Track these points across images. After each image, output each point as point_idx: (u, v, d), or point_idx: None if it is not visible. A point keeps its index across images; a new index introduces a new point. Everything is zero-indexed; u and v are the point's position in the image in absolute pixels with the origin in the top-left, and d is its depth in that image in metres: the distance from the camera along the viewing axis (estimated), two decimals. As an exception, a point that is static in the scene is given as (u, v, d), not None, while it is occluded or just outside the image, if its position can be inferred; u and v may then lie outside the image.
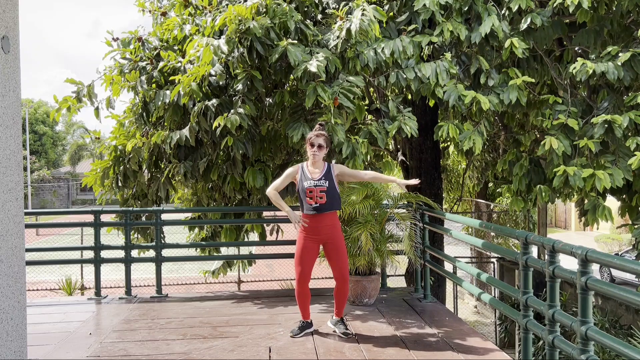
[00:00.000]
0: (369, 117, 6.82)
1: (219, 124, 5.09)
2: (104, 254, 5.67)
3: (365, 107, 6.08)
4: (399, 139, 8.44)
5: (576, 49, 6.35)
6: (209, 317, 4.83)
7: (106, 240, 5.78)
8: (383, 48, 5.14)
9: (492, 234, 13.92)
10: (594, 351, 2.89)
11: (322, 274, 8.82)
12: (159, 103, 5.55)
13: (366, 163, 5.83)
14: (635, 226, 5.97)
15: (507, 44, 5.38)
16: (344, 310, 4.50)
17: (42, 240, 21.47)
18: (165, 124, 5.89)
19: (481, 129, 5.59)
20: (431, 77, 5.24)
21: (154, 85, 5.83)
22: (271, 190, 4.25)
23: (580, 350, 2.88)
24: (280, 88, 5.86)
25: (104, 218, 5.71)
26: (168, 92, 5.55)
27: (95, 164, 6.50)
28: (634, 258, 7.94)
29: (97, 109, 5.84)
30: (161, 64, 5.74)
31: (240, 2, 5.71)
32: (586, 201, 5.69)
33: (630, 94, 5.48)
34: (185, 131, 5.52)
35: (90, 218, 5.65)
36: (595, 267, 9.20)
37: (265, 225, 6.93)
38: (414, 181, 4.18)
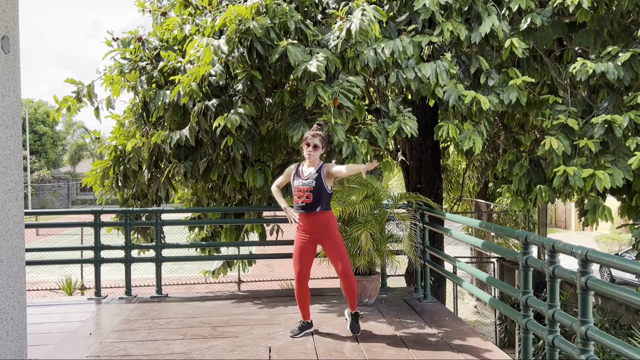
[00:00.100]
0: (369, 117, 6.82)
1: (219, 124, 5.09)
2: (104, 254, 5.67)
3: (365, 107, 6.08)
4: (399, 139, 8.44)
5: (576, 49, 6.35)
6: (209, 317, 4.83)
7: (106, 240, 5.78)
8: (383, 48, 5.14)
9: (492, 234, 13.92)
10: (594, 351, 2.89)
11: (322, 274, 8.81)
12: (159, 103, 5.55)
13: (366, 163, 5.82)
14: (635, 226, 5.97)
15: (507, 44, 5.38)
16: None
17: (42, 240, 21.47)
18: (165, 124, 5.89)
19: (481, 129, 5.59)
20: (431, 77, 5.24)
21: (154, 85, 5.83)
22: (274, 187, 4.47)
23: (580, 350, 2.88)
24: (280, 88, 5.86)
25: (104, 218, 5.71)
26: (168, 92, 5.55)
27: (95, 164, 6.50)
28: (634, 258, 7.93)
29: (97, 109, 5.84)
30: (161, 64, 5.74)
31: (240, 2, 5.70)
32: (586, 201, 5.69)
33: (630, 94, 5.48)
34: (185, 131, 5.52)
35: (90, 218, 5.65)
36: (595, 267, 9.20)
37: (265, 225, 6.93)
38: (374, 163, 3.98)
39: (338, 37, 5.09)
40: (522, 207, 6.08)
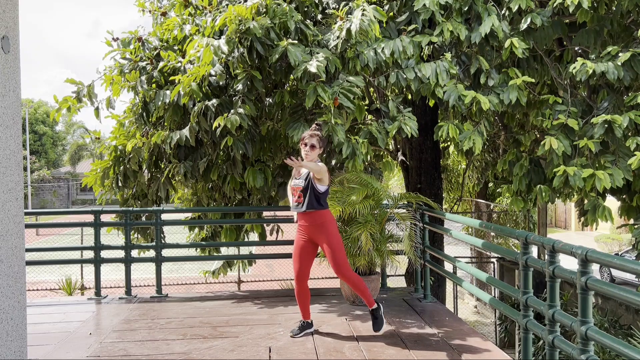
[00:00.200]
0: (369, 117, 6.82)
1: (219, 124, 5.09)
2: (104, 254, 5.67)
3: (365, 107, 6.08)
4: (399, 139, 8.44)
5: (576, 49, 6.35)
6: (209, 317, 4.83)
7: (106, 240, 5.78)
8: (383, 48, 5.14)
9: (492, 234, 13.92)
10: (594, 351, 2.89)
11: (322, 274, 8.82)
12: (159, 103, 5.55)
13: (366, 163, 5.82)
14: (635, 226, 5.98)
15: (507, 44, 5.38)
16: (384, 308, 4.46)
17: (42, 240, 21.47)
18: (165, 124, 5.89)
19: (481, 129, 5.59)
20: (431, 77, 5.24)
21: (154, 85, 5.83)
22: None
23: (580, 350, 2.88)
24: (280, 88, 5.86)
25: (104, 218, 5.71)
26: (168, 92, 5.55)
27: (95, 164, 6.50)
28: (634, 258, 7.94)
29: (97, 109, 5.84)
30: (161, 64, 5.74)
31: (240, 2, 5.71)
32: (586, 201, 5.69)
33: (630, 94, 5.48)
34: (185, 131, 5.52)
35: (90, 218, 5.65)
36: (595, 267, 9.20)
37: (265, 225, 6.93)
38: (295, 163, 3.89)
39: (338, 37, 5.09)
40: (522, 207, 6.09)
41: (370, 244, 4.76)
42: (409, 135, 5.18)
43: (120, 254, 5.70)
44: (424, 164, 8.02)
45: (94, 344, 4.14)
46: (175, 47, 6.02)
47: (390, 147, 9.18)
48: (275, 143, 6.26)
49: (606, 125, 5.17)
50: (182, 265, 15.25)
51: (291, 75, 5.20)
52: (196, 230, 7.38)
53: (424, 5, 5.31)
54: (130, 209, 5.80)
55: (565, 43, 6.34)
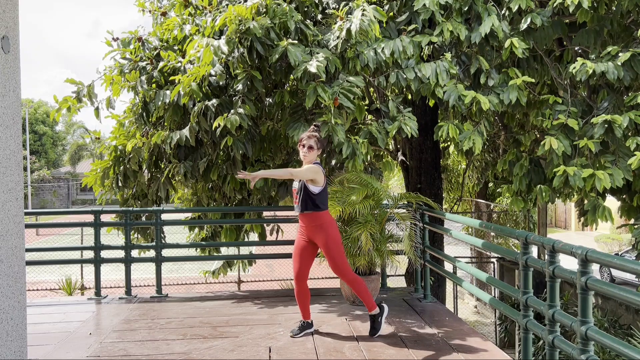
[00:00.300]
0: (369, 117, 6.82)
1: (219, 124, 5.09)
2: (104, 254, 5.67)
3: (365, 107, 6.08)
4: (399, 139, 8.44)
5: (576, 49, 6.35)
6: (209, 317, 4.83)
7: (106, 240, 5.78)
8: (383, 48, 5.14)
9: (492, 234, 13.92)
10: (594, 351, 2.89)
11: (322, 274, 8.82)
12: (159, 103, 5.55)
13: (366, 163, 5.82)
14: (635, 226, 5.98)
15: (507, 44, 5.38)
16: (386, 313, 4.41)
17: (42, 240, 21.47)
18: (165, 124, 5.89)
19: (481, 129, 5.59)
20: (431, 77, 5.24)
21: (154, 85, 5.83)
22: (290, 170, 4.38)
23: (580, 350, 2.88)
24: (280, 88, 5.86)
25: (104, 218, 5.71)
26: (168, 92, 5.55)
27: (95, 164, 6.50)
28: (634, 258, 7.94)
29: (97, 109, 5.84)
30: (161, 64, 5.74)
31: (240, 2, 5.70)
32: (586, 201, 5.69)
33: (630, 94, 5.48)
34: (185, 131, 5.52)
35: (90, 218, 5.65)
36: (595, 267, 9.20)
37: (265, 225, 6.93)
38: (246, 175, 3.99)
39: (338, 37, 5.09)
40: (522, 207, 6.08)
41: (370, 244, 4.76)
42: (409, 135, 5.18)
43: (120, 254, 5.70)
44: (424, 164, 8.02)
45: (94, 344, 4.14)
46: (175, 47, 6.03)
47: (390, 147, 9.18)
48: (275, 143, 6.26)
49: (606, 125, 5.17)
50: (182, 265, 15.25)
51: (291, 75, 5.20)
52: (196, 230, 7.38)
53: (424, 5, 5.31)
54: (130, 209, 5.80)
55: (565, 43, 6.34)
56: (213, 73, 5.38)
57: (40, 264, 6.39)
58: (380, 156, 9.75)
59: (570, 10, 5.25)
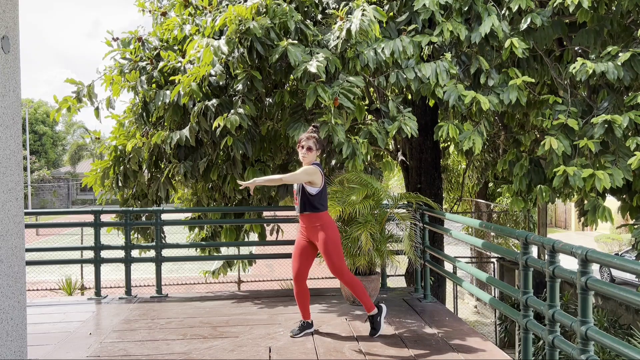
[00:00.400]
0: (369, 117, 6.82)
1: (219, 124, 5.09)
2: (104, 254, 5.67)
3: (365, 107, 6.08)
4: (399, 139, 8.44)
5: (576, 49, 6.35)
6: (209, 317, 4.83)
7: (106, 240, 5.78)
8: (383, 48, 5.14)
9: (492, 234, 13.92)
10: (594, 351, 2.89)
11: (322, 274, 8.82)
12: (159, 103, 5.55)
13: (366, 163, 5.82)
14: (635, 226, 5.98)
15: (507, 44, 5.38)
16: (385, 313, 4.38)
17: (42, 240, 21.47)
18: (165, 124, 5.89)
19: (481, 129, 5.59)
20: (431, 77, 5.24)
21: (154, 85, 5.83)
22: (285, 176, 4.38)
23: (580, 350, 2.88)
24: (280, 88, 5.86)
25: (104, 218, 5.71)
26: (168, 92, 5.55)
27: (95, 164, 6.50)
28: (634, 258, 7.94)
29: (97, 109, 5.84)
30: (161, 64, 5.74)
31: (240, 3, 5.71)
32: (586, 201, 5.69)
33: (630, 94, 5.48)
34: (185, 131, 5.52)
35: (90, 218, 5.65)
36: (595, 267, 9.20)
37: (265, 225, 6.93)
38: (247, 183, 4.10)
39: (338, 37, 5.09)
40: (522, 207, 6.09)
41: (370, 244, 4.76)
42: (409, 135, 5.19)
43: (120, 254, 5.70)
44: (424, 164, 8.02)
45: (94, 344, 4.14)
46: (175, 47, 6.03)
47: (390, 147, 9.18)
48: (275, 143, 6.26)
49: (606, 125, 5.17)
50: (182, 265, 15.25)
51: (291, 75, 5.20)
52: (196, 230, 7.38)
53: (424, 5, 5.31)
54: (130, 209, 5.80)
55: (565, 43, 6.35)
56: (213, 73, 5.38)
57: (40, 264, 6.39)
58: (380, 156, 9.75)
59: (570, 10, 5.25)
